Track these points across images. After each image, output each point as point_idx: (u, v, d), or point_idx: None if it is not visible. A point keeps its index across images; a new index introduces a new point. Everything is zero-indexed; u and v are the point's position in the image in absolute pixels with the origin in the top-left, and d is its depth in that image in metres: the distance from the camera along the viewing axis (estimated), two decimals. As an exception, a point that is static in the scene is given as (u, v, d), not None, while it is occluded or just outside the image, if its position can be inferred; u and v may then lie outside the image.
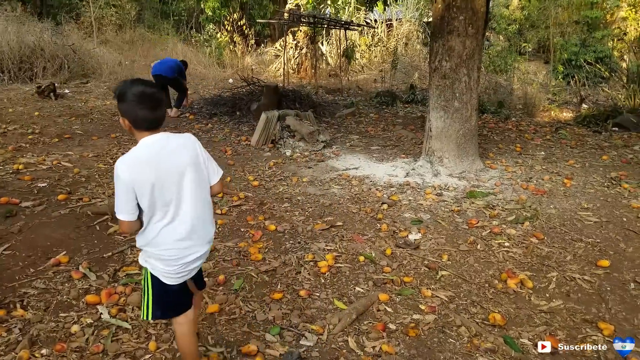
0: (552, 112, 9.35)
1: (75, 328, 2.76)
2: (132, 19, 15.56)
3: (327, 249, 3.80)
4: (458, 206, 4.68)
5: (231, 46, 15.08)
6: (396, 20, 16.50)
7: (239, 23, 15.09)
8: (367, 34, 15.90)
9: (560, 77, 12.22)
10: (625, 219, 4.38)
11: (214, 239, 3.90)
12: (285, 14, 12.32)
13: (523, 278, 3.39)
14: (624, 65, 10.55)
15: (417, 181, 5.38)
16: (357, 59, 14.84)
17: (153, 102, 1.91)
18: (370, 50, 15.48)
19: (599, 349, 2.72)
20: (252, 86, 9.30)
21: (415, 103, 10.06)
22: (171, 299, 2.11)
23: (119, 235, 3.94)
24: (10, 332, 2.71)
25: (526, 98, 9.85)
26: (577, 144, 6.92)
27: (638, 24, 13.23)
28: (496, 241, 3.97)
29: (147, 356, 2.58)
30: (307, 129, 6.69)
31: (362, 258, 3.67)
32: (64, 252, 3.60)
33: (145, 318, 2.12)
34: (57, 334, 2.73)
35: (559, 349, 2.71)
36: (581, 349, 2.72)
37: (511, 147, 6.69)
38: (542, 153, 6.44)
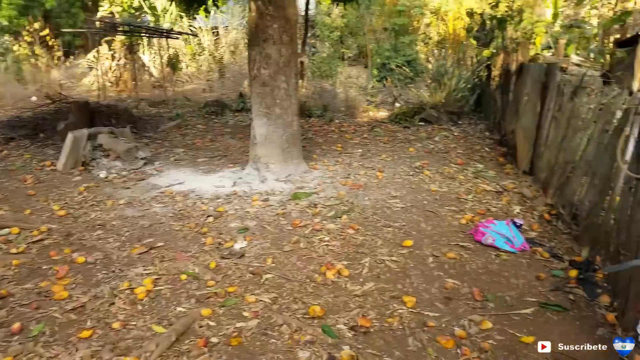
0: (371, 112, 10.18)
1: None
2: None
3: (146, 273, 3.57)
4: (283, 209, 4.81)
5: (32, 59, 13.40)
6: (223, 27, 16.45)
7: (41, 33, 13.45)
8: (193, 42, 15.56)
9: (375, 80, 13.39)
10: (426, 202, 4.95)
11: (8, 282, 3.44)
12: (98, 23, 11.41)
13: (340, 268, 3.62)
14: (430, 66, 11.90)
15: (245, 189, 5.41)
16: (183, 68, 14.42)
17: None
18: (196, 59, 15.17)
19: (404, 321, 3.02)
20: (59, 103, 8.39)
21: (246, 111, 10.07)
22: None
23: None
24: None
25: (348, 101, 10.60)
26: (389, 139, 7.64)
27: (439, 29, 15.10)
28: (317, 237, 4.16)
29: None
30: (123, 147, 6.24)
31: (184, 276, 3.54)
32: None
33: None
34: None
35: (371, 328, 2.94)
36: (389, 324, 2.99)
37: (333, 148, 7.12)
38: (360, 150, 6.97)
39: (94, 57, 13.50)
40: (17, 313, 3.11)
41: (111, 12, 13.64)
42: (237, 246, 4.04)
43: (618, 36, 8.80)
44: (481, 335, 2.89)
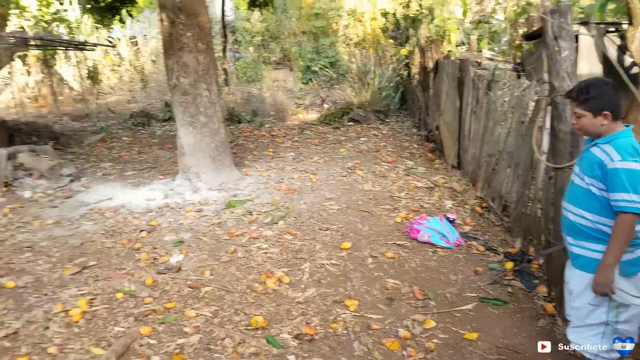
0: (300, 115, 10.26)
1: None
2: None
3: (80, 294, 3.44)
4: (218, 219, 4.75)
5: (-63, 81, 12.37)
6: (142, 36, 15.91)
7: (-57, 52, 12.41)
8: (112, 53, 14.94)
9: (301, 82, 13.49)
10: (360, 202, 5.04)
11: None
12: (10, 38, 10.65)
13: (280, 275, 3.62)
14: (353, 67, 12.16)
15: (177, 201, 5.28)
16: (103, 80, 13.81)
17: None
18: (115, 70, 14.59)
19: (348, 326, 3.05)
20: (-29, 123, 7.80)
21: (173, 120, 9.71)
22: None
23: None
24: None
25: (276, 104, 10.62)
26: (320, 141, 7.73)
27: (357, 30, 15.44)
28: (255, 245, 4.15)
29: None
30: (46, 165, 5.93)
31: (120, 295, 3.43)
32: None
33: None
34: None
35: (315, 335, 2.95)
36: (333, 330, 3.01)
37: (265, 153, 7.11)
38: (292, 154, 7.00)
39: (8, 73, 12.64)
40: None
41: (21, 27, 12.82)
42: (173, 260, 3.95)
43: (525, 29, 9.42)
44: (425, 335, 2.96)
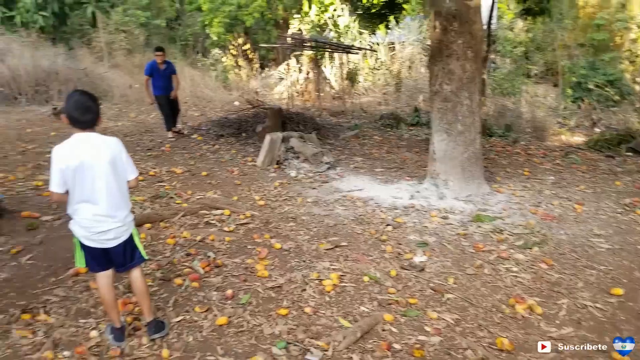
0: (563, 136, 9.27)
1: (94, 333, 2.88)
2: (140, 44, 15.79)
3: (332, 268, 3.76)
4: (464, 230, 4.60)
5: (236, 70, 15.29)
6: (399, 43, 16.64)
7: (243, 47, 15.33)
8: (370, 57, 16.03)
9: (569, 100, 12.11)
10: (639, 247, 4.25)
11: (222, 254, 3.98)
12: (288, 39, 12.47)
13: (532, 304, 3.30)
14: (638, 88, 10.43)
15: (422, 204, 5.31)
16: (360, 82, 14.93)
17: (83, 109, 2.52)
18: (373, 73, 15.58)
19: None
20: (257, 109, 9.38)
21: (420, 126, 10.00)
22: (91, 258, 2.67)
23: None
24: (36, 335, 2.86)
25: (535, 121, 9.80)
26: (589, 168, 6.80)
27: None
28: (504, 266, 3.87)
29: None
30: (311, 151, 6.69)
31: (366, 278, 3.61)
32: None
33: (79, 265, 2.75)
34: (77, 338, 2.85)
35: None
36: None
37: (519, 171, 6.61)
38: (552, 177, 6.34)
39: (285, 69, 14.84)
40: (229, 281, 3.57)
41: (300, 30, 14.86)
42: (417, 259, 3.97)
43: None
44: None
